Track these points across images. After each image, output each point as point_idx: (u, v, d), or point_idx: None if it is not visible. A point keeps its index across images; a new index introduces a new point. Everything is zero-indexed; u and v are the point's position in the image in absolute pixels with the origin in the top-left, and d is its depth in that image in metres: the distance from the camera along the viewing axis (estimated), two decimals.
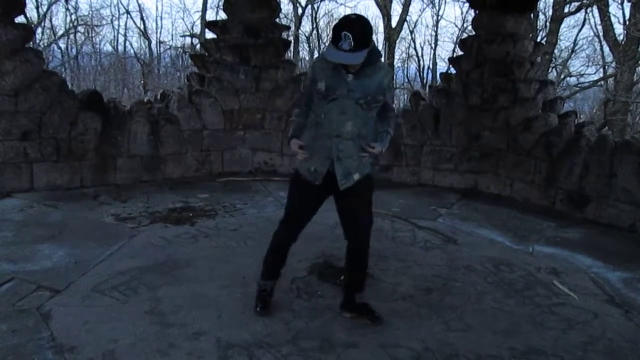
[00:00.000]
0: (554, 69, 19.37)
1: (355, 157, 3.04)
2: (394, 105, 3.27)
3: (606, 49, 18.49)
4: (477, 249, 4.78)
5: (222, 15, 7.45)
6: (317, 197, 3.22)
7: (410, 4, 22.22)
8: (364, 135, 3.02)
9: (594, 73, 20.04)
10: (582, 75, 19.97)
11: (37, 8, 21.26)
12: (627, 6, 17.00)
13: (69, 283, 3.59)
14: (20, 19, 6.16)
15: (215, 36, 7.16)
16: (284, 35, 7.77)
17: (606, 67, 19.15)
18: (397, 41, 22.75)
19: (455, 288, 3.91)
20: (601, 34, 17.95)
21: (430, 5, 24.67)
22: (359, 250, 3.28)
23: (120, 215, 5.12)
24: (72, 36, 22.72)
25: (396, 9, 22.87)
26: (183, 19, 32.52)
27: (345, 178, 3.05)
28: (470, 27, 8.04)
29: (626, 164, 5.57)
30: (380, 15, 22.41)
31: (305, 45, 25.25)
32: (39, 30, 20.39)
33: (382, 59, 3.11)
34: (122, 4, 24.56)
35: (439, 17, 24.45)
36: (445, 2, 30.31)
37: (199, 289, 3.62)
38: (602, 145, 5.81)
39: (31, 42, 6.25)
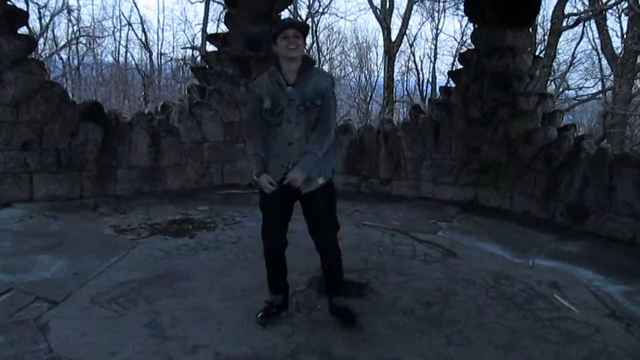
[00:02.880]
0: (552, 82, 19.42)
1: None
2: (333, 119, 3.31)
3: (604, 62, 18.56)
4: (477, 262, 4.77)
5: (223, 28, 7.49)
6: (284, 204, 3.29)
7: (409, 17, 22.36)
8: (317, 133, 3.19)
9: (593, 86, 20.08)
10: (580, 89, 19.99)
11: (39, 19, 21.35)
12: (625, 20, 17.14)
13: (67, 294, 3.57)
14: (22, 30, 6.19)
15: (216, 48, 7.19)
16: None
17: (604, 80, 19.21)
18: (397, 54, 22.82)
19: (455, 302, 3.89)
20: (599, 47, 18.03)
21: (430, 19, 24.69)
22: (327, 256, 3.38)
23: (120, 227, 5.11)
24: (73, 47, 22.76)
25: (396, 23, 22.92)
26: (184, 31, 32.68)
27: (306, 184, 3.16)
28: (469, 41, 8.09)
29: (626, 176, 5.57)
30: (380, 29, 22.54)
31: None
32: (41, 41, 20.43)
33: (317, 66, 3.33)
34: (124, 15, 24.70)
35: (439, 31, 24.43)
36: (444, 16, 30.48)
37: (198, 302, 3.60)
38: (602, 158, 5.82)
39: (33, 53, 6.28)
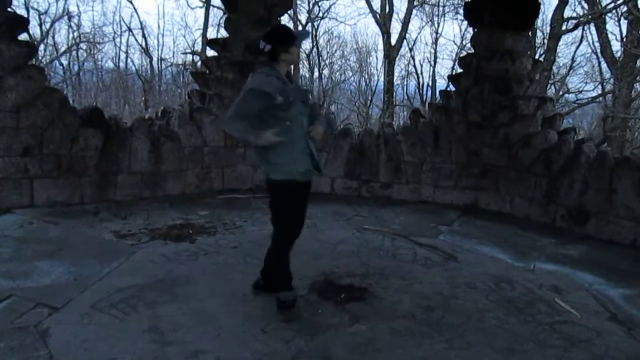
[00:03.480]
0: (552, 86, 19.46)
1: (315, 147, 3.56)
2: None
3: (604, 65, 18.60)
4: (477, 266, 4.76)
5: (224, 33, 7.51)
6: (305, 197, 3.58)
7: (409, 22, 22.43)
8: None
9: (593, 90, 20.11)
10: (580, 92, 20.03)
11: (40, 25, 21.45)
12: (624, 23, 17.17)
13: (67, 300, 3.57)
14: (23, 36, 6.21)
15: (216, 53, 7.21)
16: None
17: (604, 83, 19.24)
18: (397, 59, 22.89)
19: (456, 306, 3.89)
20: (599, 51, 18.08)
21: (430, 23, 24.79)
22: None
23: (120, 232, 5.10)
24: (74, 53, 22.85)
25: (396, 27, 23.00)
26: (184, 37, 32.64)
27: (319, 165, 3.56)
28: (469, 45, 8.10)
29: (626, 180, 5.57)
30: (380, 33, 22.60)
31: (306, 63, 25.40)
32: (42, 47, 20.52)
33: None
34: (124, 21, 24.75)
35: (438, 35, 24.50)
36: (444, 20, 30.59)
37: (198, 307, 3.60)
38: (602, 162, 5.82)
39: (34, 59, 6.29)
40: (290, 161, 3.37)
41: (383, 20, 21.99)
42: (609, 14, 17.16)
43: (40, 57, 19.08)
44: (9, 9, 5.54)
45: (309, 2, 23.78)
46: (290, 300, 3.56)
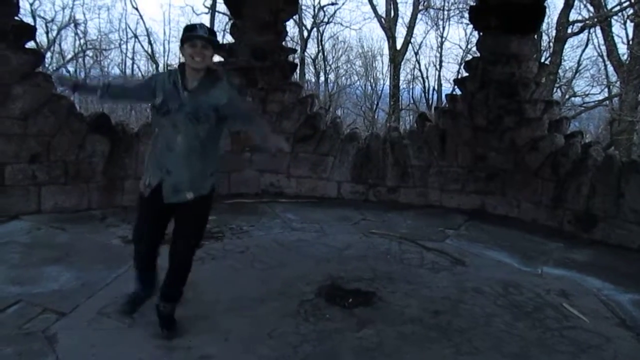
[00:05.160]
0: (558, 89, 19.39)
1: (186, 173, 3.11)
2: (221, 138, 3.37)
3: (610, 68, 18.51)
4: (485, 270, 4.74)
5: (229, 39, 7.54)
6: (156, 211, 3.22)
7: (414, 26, 22.43)
8: (195, 149, 3.10)
9: (599, 93, 20.04)
10: (587, 95, 19.97)
11: (46, 33, 21.62)
12: (630, 26, 17.10)
13: (75, 306, 3.58)
14: (30, 44, 6.25)
15: (222, 59, 7.23)
16: (290, 57, 7.86)
17: (611, 86, 19.15)
18: (402, 63, 22.88)
19: (463, 310, 3.87)
20: (605, 54, 18.01)
21: (435, 28, 24.77)
22: (176, 265, 3.27)
23: (127, 238, 5.10)
24: (80, 60, 23.01)
25: (401, 32, 23.00)
26: None
27: (172, 194, 3.12)
28: (474, 49, 8.10)
29: (634, 183, 5.54)
30: (385, 38, 22.61)
31: (311, 68, 25.46)
32: (49, 54, 20.68)
33: (225, 81, 3.25)
34: (130, 28, 24.87)
35: (444, 39, 24.51)
36: (449, 24, 30.52)
37: (205, 312, 3.60)
38: (609, 165, 5.79)
39: (41, 67, 6.33)
40: (146, 166, 3.27)
41: (388, 25, 21.99)
42: (615, 17, 17.09)
43: (47, 65, 19.22)
44: (16, 18, 5.59)
45: (314, 7, 23.86)
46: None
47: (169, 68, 3.80)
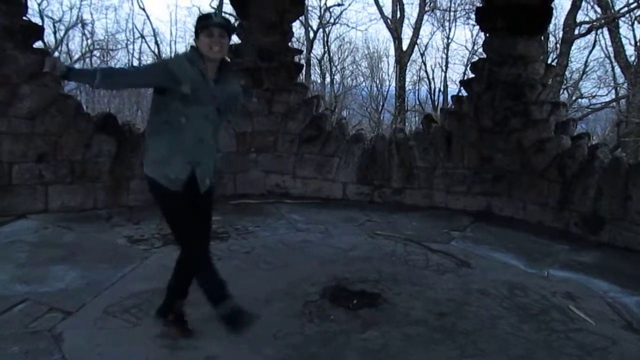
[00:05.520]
0: (565, 91, 19.32)
1: (210, 162, 3.10)
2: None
3: (617, 70, 18.44)
4: (490, 272, 4.73)
5: (235, 39, 7.55)
6: (191, 204, 3.05)
7: (420, 27, 22.41)
8: (216, 139, 3.17)
9: (606, 94, 19.96)
10: (593, 97, 19.89)
11: (54, 33, 21.76)
12: (638, 27, 17.03)
13: (81, 305, 3.60)
14: (38, 44, 6.28)
15: (228, 59, 7.24)
16: (296, 58, 7.86)
17: (618, 88, 19.07)
18: (408, 64, 22.86)
19: (469, 312, 3.86)
20: (612, 55, 17.95)
21: (441, 29, 24.75)
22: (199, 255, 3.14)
23: (133, 237, 5.14)
24: (88, 60, 23.11)
25: (407, 33, 23.03)
26: None
27: (203, 184, 3.05)
28: (480, 50, 8.08)
29: None
30: (391, 39, 22.60)
31: (317, 69, 25.47)
32: (56, 54, 20.77)
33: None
34: (137, 28, 24.93)
35: (450, 40, 24.47)
36: (455, 26, 30.43)
37: (210, 312, 3.59)
38: (617, 167, 5.76)
39: None
40: (163, 160, 2.95)
41: (394, 26, 21.98)
42: (622, 18, 17.03)
43: None
44: (24, 18, 5.62)
45: (320, 8, 23.86)
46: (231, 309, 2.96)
47: (180, 53, 3.67)
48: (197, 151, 2.98)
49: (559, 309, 4.01)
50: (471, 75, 7.35)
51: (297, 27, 21.26)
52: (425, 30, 27.90)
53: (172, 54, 23.84)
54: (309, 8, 22.00)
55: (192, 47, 2.99)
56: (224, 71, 3.05)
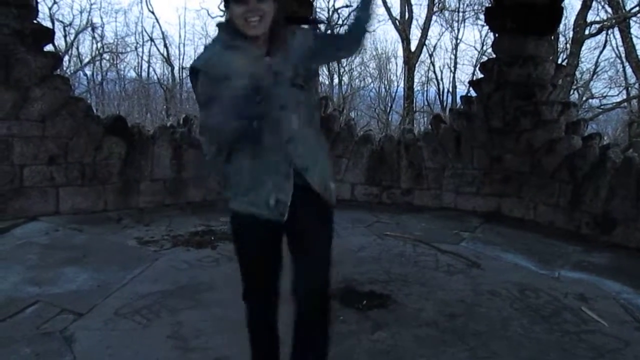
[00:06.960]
0: (575, 91, 19.20)
1: (320, 157, 2.23)
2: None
3: (629, 70, 18.26)
4: (501, 273, 4.70)
5: None
6: (277, 239, 2.30)
7: (429, 28, 22.34)
8: (314, 121, 2.25)
9: (617, 95, 19.81)
10: (604, 97, 19.73)
11: (64, 37, 21.90)
12: None
13: (92, 306, 3.61)
14: (48, 48, 6.34)
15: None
16: None
17: (629, 88, 18.91)
18: (417, 65, 22.79)
19: (479, 314, 3.84)
20: (623, 55, 17.78)
21: (449, 29, 24.67)
22: (312, 300, 2.29)
23: (143, 239, 5.16)
24: (97, 63, 23.29)
25: (415, 33, 22.93)
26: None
27: (323, 188, 2.21)
28: (489, 50, 8.05)
29: None
30: (400, 40, 22.55)
31: (325, 70, 25.46)
32: (67, 57, 20.94)
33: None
34: (146, 31, 25.05)
35: (458, 41, 24.39)
36: (464, 26, 30.32)
37: (220, 313, 3.61)
38: (628, 168, 5.71)
39: (59, 70, 6.42)
40: (247, 185, 2.16)
41: (402, 27, 21.93)
42: (634, 18, 16.86)
43: (65, 68, 19.46)
44: (35, 22, 5.67)
45: (328, 10, 23.87)
46: None
47: (206, 45, 2.89)
48: (287, 155, 2.14)
49: (571, 310, 3.98)
50: (480, 76, 7.31)
51: None
52: (434, 31, 27.85)
53: (181, 58, 23.97)
54: (317, 9, 22.01)
55: (221, 24, 2.22)
56: (280, 34, 2.12)
